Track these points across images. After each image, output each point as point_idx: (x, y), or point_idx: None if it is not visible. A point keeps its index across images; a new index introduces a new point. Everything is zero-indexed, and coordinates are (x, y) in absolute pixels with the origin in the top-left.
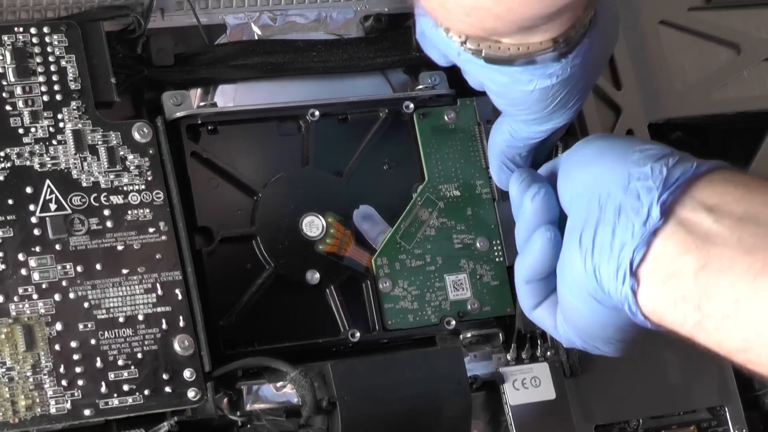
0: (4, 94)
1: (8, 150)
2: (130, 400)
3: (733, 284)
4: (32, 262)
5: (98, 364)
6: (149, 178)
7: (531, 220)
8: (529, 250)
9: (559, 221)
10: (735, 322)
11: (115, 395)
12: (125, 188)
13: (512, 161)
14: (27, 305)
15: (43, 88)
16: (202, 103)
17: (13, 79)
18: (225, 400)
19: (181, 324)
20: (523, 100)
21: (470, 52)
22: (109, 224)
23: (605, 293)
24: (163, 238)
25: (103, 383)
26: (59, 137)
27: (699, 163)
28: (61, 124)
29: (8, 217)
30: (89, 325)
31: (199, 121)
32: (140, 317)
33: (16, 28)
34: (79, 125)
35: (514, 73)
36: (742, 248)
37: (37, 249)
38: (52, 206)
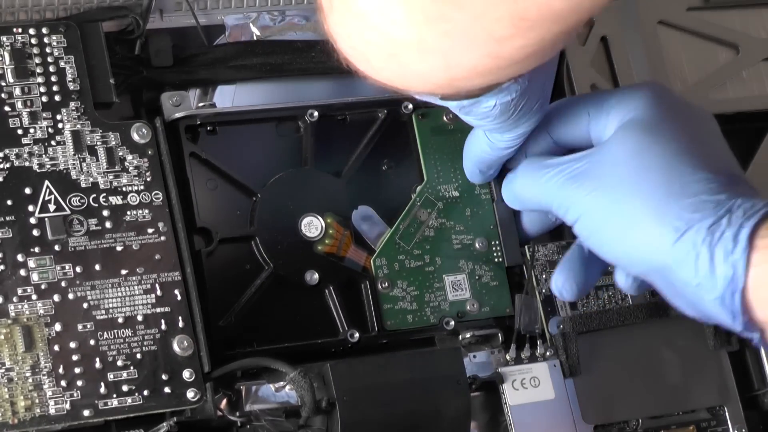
0: (3, 95)
1: (7, 151)
2: (130, 400)
3: None
4: (31, 263)
5: (97, 364)
6: (148, 179)
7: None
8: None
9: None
10: None
11: (115, 396)
12: (124, 189)
13: (488, 167)
14: (26, 306)
15: (42, 89)
16: (201, 104)
17: (12, 80)
18: (224, 400)
19: (181, 324)
20: (485, 115)
21: (425, 94)
22: (108, 225)
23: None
24: (162, 238)
25: (102, 384)
26: (58, 138)
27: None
28: (60, 125)
29: (7, 218)
30: (88, 326)
31: (198, 122)
32: (139, 318)
33: (14, 29)
34: (78, 126)
35: (473, 100)
36: None
37: (36, 250)
38: (51, 207)
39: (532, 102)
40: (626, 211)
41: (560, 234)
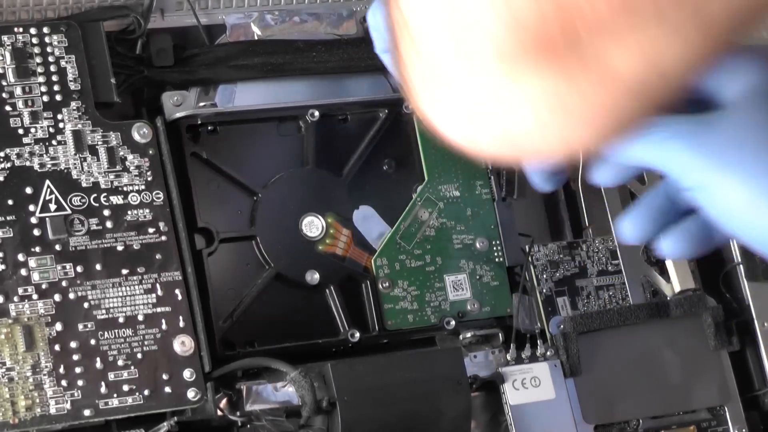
0: (4, 95)
1: (8, 150)
2: (130, 400)
3: None
4: (32, 263)
5: (98, 364)
6: (149, 179)
7: None
8: None
9: None
10: None
11: (115, 395)
12: (125, 188)
13: None
14: (27, 305)
15: (43, 89)
16: (202, 104)
17: (13, 80)
18: (225, 400)
19: (181, 324)
20: None
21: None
22: (108, 224)
23: None
24: (163, 238)
25: (102, 383)
26: (59, 137)
27: None
28: (60, 125)
29: (8, 218)
30: (89, 326)
31: (199, 122)
32: (140, 317)
33: (16, 29)
34: (79, 125)
35: None
36: None
37: (37, 249)
38: (52, 206)
39: None
40: (755, 193)
41: (560, 234)
